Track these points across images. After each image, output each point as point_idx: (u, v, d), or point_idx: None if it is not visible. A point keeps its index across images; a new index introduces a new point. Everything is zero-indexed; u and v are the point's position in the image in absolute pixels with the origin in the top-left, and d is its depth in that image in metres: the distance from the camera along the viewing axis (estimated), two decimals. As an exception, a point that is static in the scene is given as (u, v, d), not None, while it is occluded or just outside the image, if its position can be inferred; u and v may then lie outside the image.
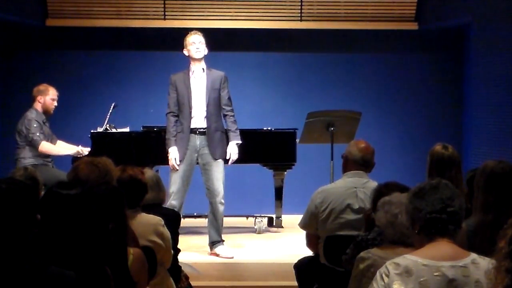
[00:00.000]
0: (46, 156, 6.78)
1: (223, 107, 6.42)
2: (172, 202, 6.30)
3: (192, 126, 6.34)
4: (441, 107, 8.96)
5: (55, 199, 2.57)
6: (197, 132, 6.35)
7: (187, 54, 6.40)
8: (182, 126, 6.34)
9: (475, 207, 3.58)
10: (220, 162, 6.38)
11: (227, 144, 6.42)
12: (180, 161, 6.31)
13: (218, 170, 6.35)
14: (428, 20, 8.78)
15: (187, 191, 6.42)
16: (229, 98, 6.44)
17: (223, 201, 6.37)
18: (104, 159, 3.77)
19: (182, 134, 6.33)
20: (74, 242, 2.56)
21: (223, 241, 6.47)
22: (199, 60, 6.36)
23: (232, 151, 6.41)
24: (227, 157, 6.41)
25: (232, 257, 6.35)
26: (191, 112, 6.33)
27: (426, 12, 8.76)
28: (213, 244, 6.42)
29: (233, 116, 6.44)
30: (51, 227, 2.54)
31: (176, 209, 6.27)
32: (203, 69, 6.40)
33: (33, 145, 6.68)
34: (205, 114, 6.35)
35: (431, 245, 2.58)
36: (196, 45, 6.33)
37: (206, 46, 6.39)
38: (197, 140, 6.35)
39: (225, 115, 6.44)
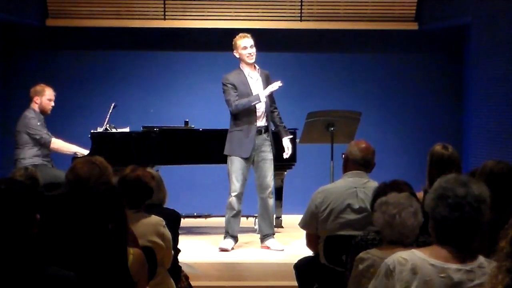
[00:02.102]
0: (45, 156, 6.78)
1: (271, 104, 6.61)
2: (233, 198, 6.46)
3: (257, 127, 6.47)
4: (441, 107, 8.96)
5: (42, 201, 2.57)
6: (260, 133, 6.49)
7: (238, 57, 6.51)
8: (246, 127, 6.43)
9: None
10: (272, 159, 6.55)
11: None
12: (244, 158, 6.43)
13: (271, 167, 6.56)
14: (428, 20, 8.77)
15: (245, 186, 6.55)
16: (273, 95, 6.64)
17: (272, 195, 6.58)
18: (99, 157, 3.79)
19: (246, 136, 6.41)
20: (73, 242, 2.56)
21: (274, 234, 6.64)
22: (252, 64, 6.50)
23: (289, 145, 6.66)
24: (285, 152, 6.64)
25: (283, 250, 6.49)
26: (256, 113, 6.45)
27: (426, 12, 8.76)
28: (264, 237, 6.59)
29: (279, 112, 6.68)
30: (48, 227, 2.54)
31: (237, 206, 6.47)
32: (257, 70, 6.55)
33: (44, 145, 6.68)
34: (265, 114, 6.51)
35: (442, 246, 2.56)
36: (248, 50, 6.46)
37: (255, 46, 6.50)
38: (258, 140, 6.48)
39: (272, 112, 6.64)
